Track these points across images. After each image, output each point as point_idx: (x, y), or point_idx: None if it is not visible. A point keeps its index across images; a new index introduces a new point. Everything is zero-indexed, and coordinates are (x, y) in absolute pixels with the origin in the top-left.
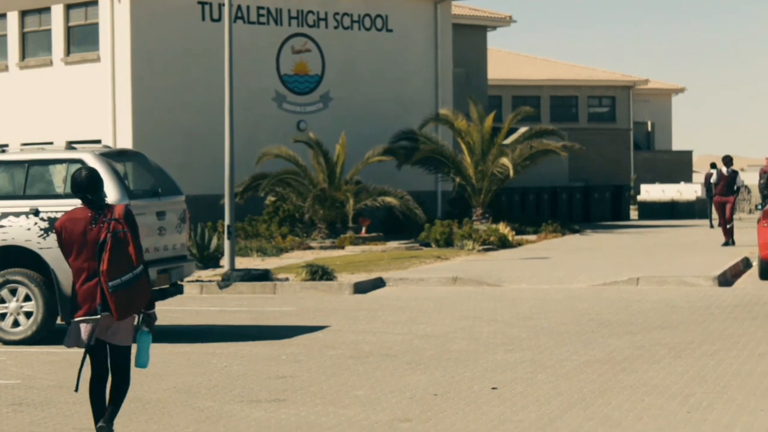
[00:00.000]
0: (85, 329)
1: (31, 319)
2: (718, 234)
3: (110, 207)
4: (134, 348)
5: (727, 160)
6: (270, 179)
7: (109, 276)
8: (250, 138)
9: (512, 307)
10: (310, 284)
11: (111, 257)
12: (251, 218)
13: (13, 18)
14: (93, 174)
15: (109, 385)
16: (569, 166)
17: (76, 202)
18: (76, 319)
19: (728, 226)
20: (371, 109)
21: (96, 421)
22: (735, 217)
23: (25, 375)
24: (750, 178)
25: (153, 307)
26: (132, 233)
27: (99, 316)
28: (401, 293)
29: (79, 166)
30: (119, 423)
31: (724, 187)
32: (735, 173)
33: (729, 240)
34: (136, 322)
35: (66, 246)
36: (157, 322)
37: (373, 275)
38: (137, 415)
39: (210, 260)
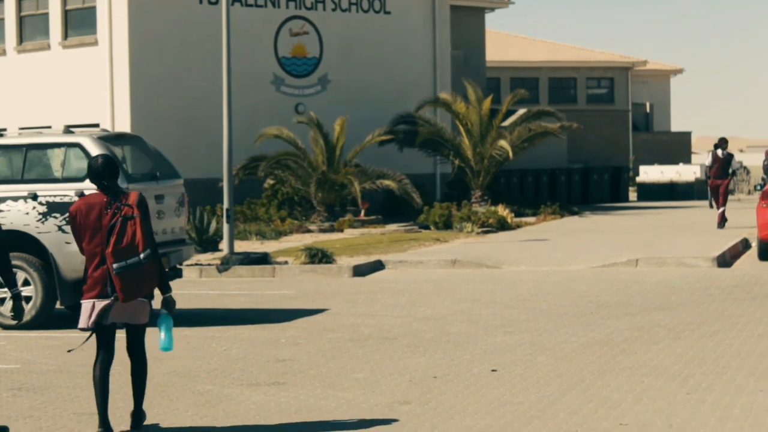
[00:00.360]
0: (96, 309)
1: (30, 303)
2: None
3: (125, 193)
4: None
5: (722, 143)
6: (269, 160)
7: (113, 258)
8: (249, 121)
9: (511, 289)
10: (309, 267)
11: (117, 240)
12: (250, 201)
13: (10, 1)
14: (110, 161)
15: (111, 374)
16: (568, 147)
17: (75, 186)
18: (87, 300)
19: (720, 209)
20: (369, 92)
21: (98, 405)
22: (733, 198)
23: (25, 359)
24: (749, 159)
25: (169, 290)
26: (143, 219)
27: (112, 298)
28: (400, 276)
29: (77, 149)
30: (119, 407)
31: (719, 170)
32: (730, 156)
33: (721, 222)
34: (160, 307)
35: (79, 230)
36: (156, 306)
37: (372, 258)
38: None
39: (209, 244)
